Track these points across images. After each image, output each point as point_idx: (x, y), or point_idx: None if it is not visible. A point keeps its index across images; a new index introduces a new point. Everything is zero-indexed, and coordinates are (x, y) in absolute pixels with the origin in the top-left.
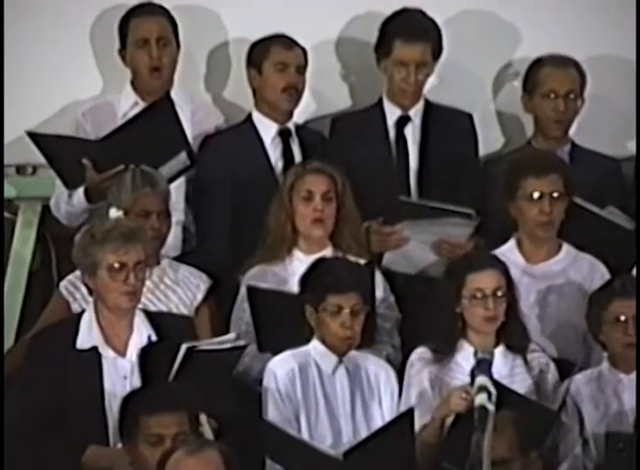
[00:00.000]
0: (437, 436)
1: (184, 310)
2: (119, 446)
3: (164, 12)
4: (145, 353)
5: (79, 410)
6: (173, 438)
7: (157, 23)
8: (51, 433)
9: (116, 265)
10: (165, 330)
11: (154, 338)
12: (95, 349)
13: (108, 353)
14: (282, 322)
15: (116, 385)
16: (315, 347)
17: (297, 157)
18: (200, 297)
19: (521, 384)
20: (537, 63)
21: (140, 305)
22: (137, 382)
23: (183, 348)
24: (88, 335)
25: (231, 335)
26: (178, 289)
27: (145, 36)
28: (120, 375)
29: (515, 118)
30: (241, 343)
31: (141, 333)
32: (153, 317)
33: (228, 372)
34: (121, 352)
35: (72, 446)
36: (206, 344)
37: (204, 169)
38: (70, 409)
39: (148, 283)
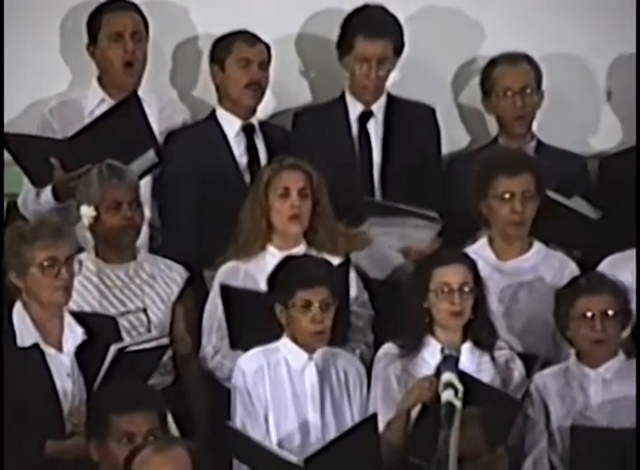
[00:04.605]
0: (403, 432)
1: (161, 306)
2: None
3: (135, 7)
4: (80, 352)
5: (36, 408)
6: (144, 436)
7: (131, 17)
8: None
9: (47, 262)
10: (94, 329)
11: (84, 337)
12: (37, 346)
13: (49, 350)
14: (254, 320)
15: (64, 381)
16: (285, 344)
17: (262, 152)
18: (177, 291)
19: (487, 380)
20: (490, 64)
21: (111, 303)
22: (80, 380)
23: (113, 349)
24: (26, 332)
25: (154, 333)
26: (155, 284)
27: (119, 30)
28: (64, 372)
29: (479, 116)
30: (164, 341)
31: (74, 331)
32: (80, 317)
33: (150, 371)
34: (58, 350)
35: (35, 443)
36: (133, 343)
37: (168, 165)
38: (26, 407)
39: (123, 278)
